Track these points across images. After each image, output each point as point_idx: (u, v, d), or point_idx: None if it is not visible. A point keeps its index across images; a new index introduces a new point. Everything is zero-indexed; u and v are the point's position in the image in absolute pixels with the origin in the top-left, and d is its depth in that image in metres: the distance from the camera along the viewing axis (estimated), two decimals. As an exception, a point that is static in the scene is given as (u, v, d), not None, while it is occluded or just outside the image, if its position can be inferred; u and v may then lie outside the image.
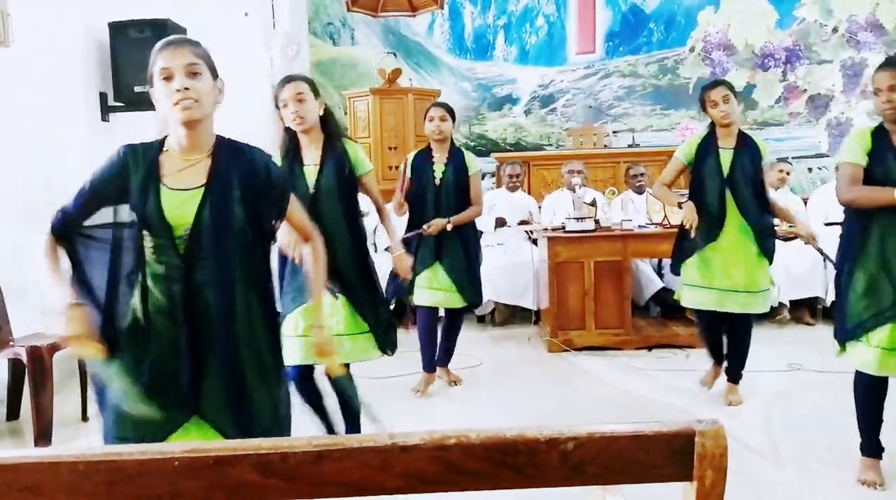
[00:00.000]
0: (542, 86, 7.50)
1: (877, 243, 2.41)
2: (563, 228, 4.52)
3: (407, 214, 3.69)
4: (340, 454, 0.75)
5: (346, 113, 6.93)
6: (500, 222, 5.37)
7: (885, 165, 2.39)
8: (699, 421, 0.79)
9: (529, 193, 6.05)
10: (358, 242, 2.63)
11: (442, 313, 3.82)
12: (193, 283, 1.62)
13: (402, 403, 3.58)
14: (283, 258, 2.55)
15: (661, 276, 5.15)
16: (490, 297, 4.96)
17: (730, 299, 3.33)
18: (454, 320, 3.85)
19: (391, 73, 6.49)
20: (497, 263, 5.03)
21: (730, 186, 3.29)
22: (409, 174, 3.64)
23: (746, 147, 3.34)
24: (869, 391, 2.48)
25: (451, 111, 3.66)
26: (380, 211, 2.86)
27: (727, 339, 3.52)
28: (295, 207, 1.81)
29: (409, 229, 3.68)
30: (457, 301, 3.65)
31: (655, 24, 7.25)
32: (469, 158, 3.69)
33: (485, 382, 3.93)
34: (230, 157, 1.71)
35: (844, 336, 2.48)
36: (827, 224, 5.24)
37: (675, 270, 3.56)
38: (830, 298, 5.02)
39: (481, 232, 4.26)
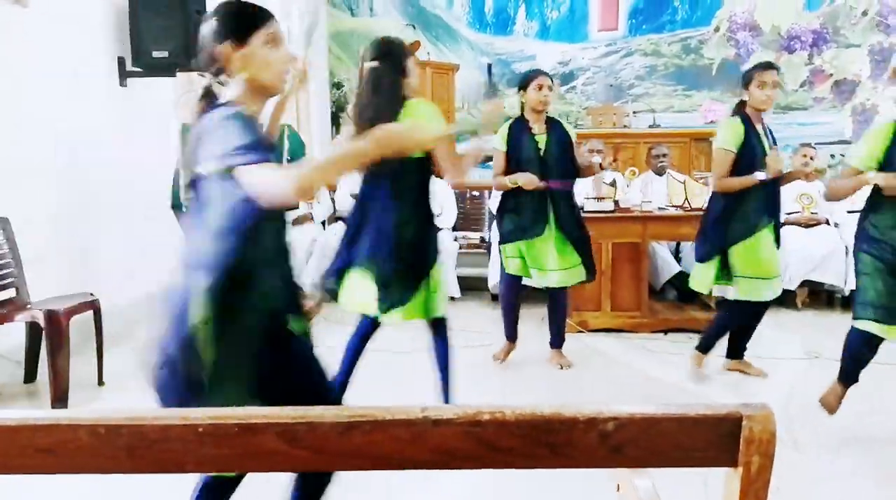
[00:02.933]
0: (562, 63, 7.39)
1: None
2: (582, 208, 4.46)
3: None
4: (370, 426, 0.72)
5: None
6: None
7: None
8: (746, 405, 0.75)
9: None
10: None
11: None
12: None
13: (417, 377, 3.56)
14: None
15: (678, 260, 5.08)
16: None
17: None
18: (559, 299, 3.73)
19: (410, 46, 6.40)
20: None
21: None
22: (501, 148, 3.59)
23: (766, 132, 3.32)
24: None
25: (552, 80, 3.66)
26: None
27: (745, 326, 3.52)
28: None
29: (504, 204, 3.65)
30: (576, 276, 3.60)
31: (680, 2, 7.10)
32: (568, 126, 3.70)
33: (499, 362, 3.90)
34: None
35: None
36: (850, 212, 5.15)
37: (710, 257, 3.36)
38: (850, 286, 4.95)
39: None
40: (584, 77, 7.34)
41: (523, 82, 3.58)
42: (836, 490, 2.35)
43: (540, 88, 3.51)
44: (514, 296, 3.78)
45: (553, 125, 3.60)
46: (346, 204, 5.47)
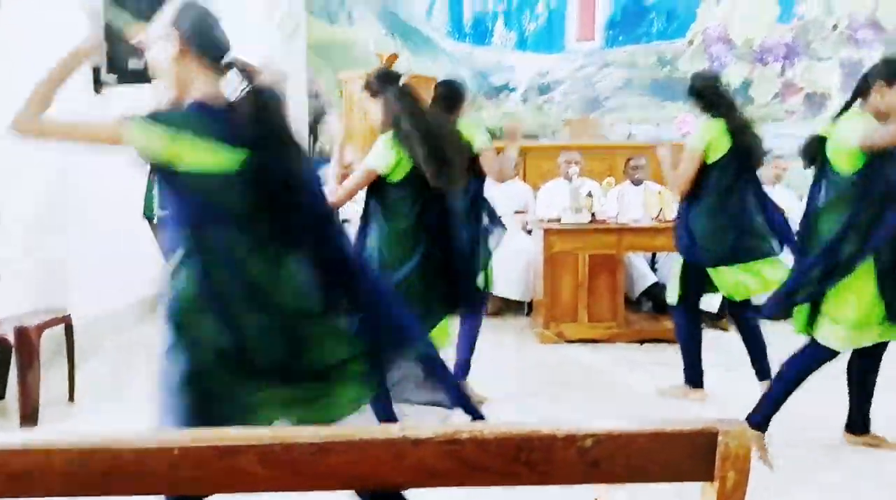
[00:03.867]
0: (539, 74, 7.45)
1: None
2: (559, 219, 4.49)
3: None
4: (347, 447, 0.72)
5: (341, 95, 6.85)
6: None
7: None
8: (722, 421, 0.76)
9: (524, 182, 6.01)
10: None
11: None
12: None
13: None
14: None
15: (654, 270, 5.13)
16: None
17: None
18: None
19: (388, 58, 6.42)
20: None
21: None
22: None
23: None
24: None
25: None
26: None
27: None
28: None
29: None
30: None
31: (656, 15, 7.20)
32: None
33: (476, 372, 3.90)
34: None
35: None
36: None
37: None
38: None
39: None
40: (562, 89, 7.40)
41: None
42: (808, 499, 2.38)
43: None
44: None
45: None
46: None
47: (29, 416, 2.95)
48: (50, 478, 0.65)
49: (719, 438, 0.74)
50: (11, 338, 2.96)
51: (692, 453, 0.75)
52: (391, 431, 0.72)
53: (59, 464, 0.65)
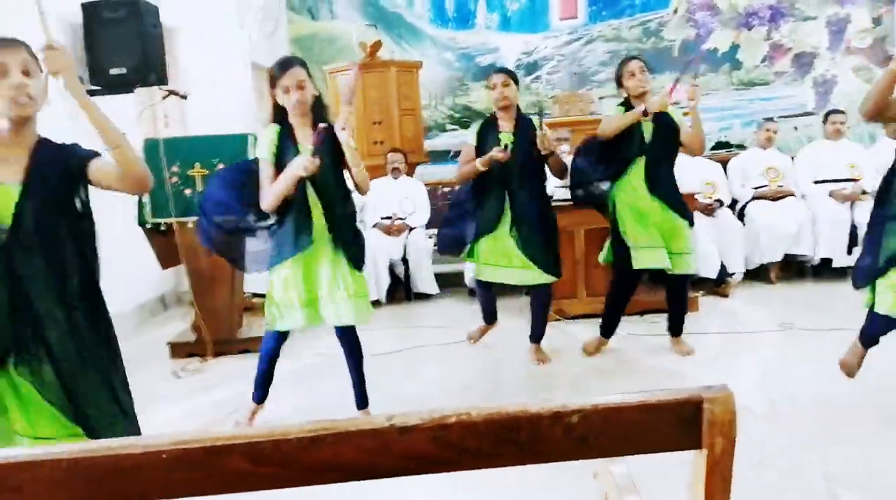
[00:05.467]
0: (525, 53, 7.41)
1: None
2: (552, 197, 4.48)
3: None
4: (336, 439, 0.72)
5: (327, 88, 6.82)
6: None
7: None
8: (707, 388, 0.76)
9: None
10: (352, 213, 2.88)
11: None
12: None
13: (400, 379, 3.57)
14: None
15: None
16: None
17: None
18: (538, 294, 3.67)
19: (372, 46, 6.38)
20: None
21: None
22: (473, 143, 3.56)
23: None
24: None
25: (513, 76, 3.57)
26: (360, 183, 2.82)
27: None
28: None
29: (472, 201, 3.59)
30: (536, 277, 3.51)
31: (638, -13, 7.16)
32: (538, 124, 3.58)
33: (479, 354, 3.92)
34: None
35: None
36: (816, 182, 5.23)
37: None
38: (819, 256, 5.03)
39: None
40: (549, 66, 7.37)
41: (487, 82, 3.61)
42: (816, 460, 2.39)
43: (494, 87, 3.50)
44: (490, 293, 3.86)
45: (522, 123, 3.52)
46: None
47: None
48: (38, 490, 0.66)
49: (704, 405, 0.75)
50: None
51: (679, 422, 0.75)
52: (377, 421, 0.73)
53: (47, 475, 0.65)
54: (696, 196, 4.70)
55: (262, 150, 2.73)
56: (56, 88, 1.80)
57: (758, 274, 5.14)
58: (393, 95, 6.28)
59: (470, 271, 4.03)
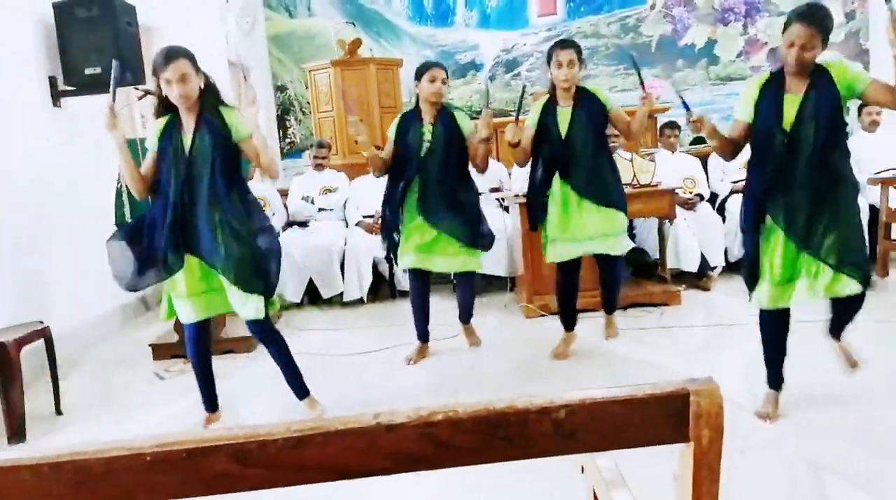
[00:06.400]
0: (505, 50, 7.43)
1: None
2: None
3: (386, 177, 3.62)
4: (322, 438, 0.71)
5: (307, 87, 6.79)
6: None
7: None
8: (692, 380, 0.77)
9: (498, 160, 6.00)
10: (244, 203, 2.75)
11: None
12: None
13: (384, 377, 3.56)
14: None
15: (632, 236, 5.16)
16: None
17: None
18: (463, 277, 3.78)
19: (351, 44, 6.35)
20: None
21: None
22: (392, 136, 3.56)
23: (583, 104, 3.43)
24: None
25: (447, 72, 3.57)
26: (264, 170, 2.83)
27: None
28: None
29: (388, 195, 3.61)
30: (457, 265, 3.58)
31: (616, -17, 7.19)
32: (461, 117, 3.58)
33: (465, 351, 3.91)
34: None
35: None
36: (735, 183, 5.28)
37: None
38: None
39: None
40: (528, 63, 7.38)
41: (417, 74, 3.55)
42: (801, 449, 2.42)
43: (433, 80, 3.48)
44: (423, 296, 3.77)
45: (443, 116, 3.53)
46: (301, 209, 5.41)
47: (16, 433, 2.92)
48: (19, 494, 0.64)
49: (691, 398, 0.75)
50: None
51: (665, 416, 0.76)
52: (364, 419, 0.72)
53: (29, 480, 0.64)
54: (676, 191, 4.73)
55: (147, 138, 2.80)
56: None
57: (738, 267, 5.18)
58: (373, 92, 6.26)
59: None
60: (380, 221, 3.91)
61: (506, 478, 2.23)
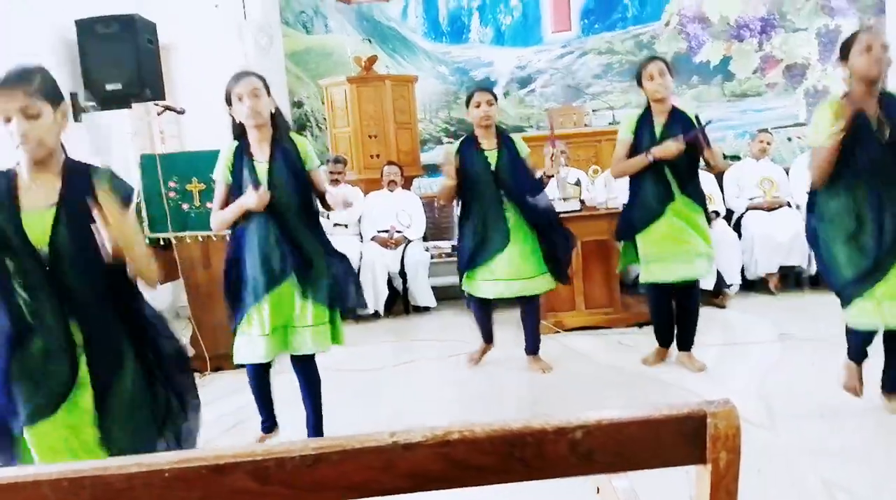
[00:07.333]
0: (519, 67, 7.45)
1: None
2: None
3: (460, 204, 3.66)
4: (339, 457, 0.71)
5: (323, 103, 6.84)
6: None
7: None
8: (710, 402, 0.76)
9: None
10: (317, 232, 2.75)
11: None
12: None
13: (400, 393, 3.56)
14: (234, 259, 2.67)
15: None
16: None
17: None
18: (527, 304, 3.72)
19: (367, 61, 6.41)
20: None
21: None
22: (455, 164, 3.54)
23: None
24: None
25: (495, 95, 3.61)
26: (323, 202, 2.81)
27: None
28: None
29: (462, 222, 3.63)
30: (528, 288, 3.56)
31: (630, 0, 7.21)
32: (520, 141, 3.63)
33: (479, 367, 3.91)
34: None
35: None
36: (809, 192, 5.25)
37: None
38: (814, 266, 5.04)
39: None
40: (542, 79, 7.40)
41: (467, 100, 3.60)
42: (817, 467, 2.39)
43: (478, 105, 3.50)
44: (486, 314, 3.83)
45: (504, 140, 3.57)
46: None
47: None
48: (41, 512, 0.65)
49: (708, 420, 0.75)
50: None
51: (683, 437, 0.75)
52: (381, 438, 0.72)
53: (49, 495, 0.65)
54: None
55: (217, 169, 2.70)
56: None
57: (754, 285, 5.16)
58: (389, 108, 6.30)
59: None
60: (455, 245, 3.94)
61: (521, 498, 2.21)
